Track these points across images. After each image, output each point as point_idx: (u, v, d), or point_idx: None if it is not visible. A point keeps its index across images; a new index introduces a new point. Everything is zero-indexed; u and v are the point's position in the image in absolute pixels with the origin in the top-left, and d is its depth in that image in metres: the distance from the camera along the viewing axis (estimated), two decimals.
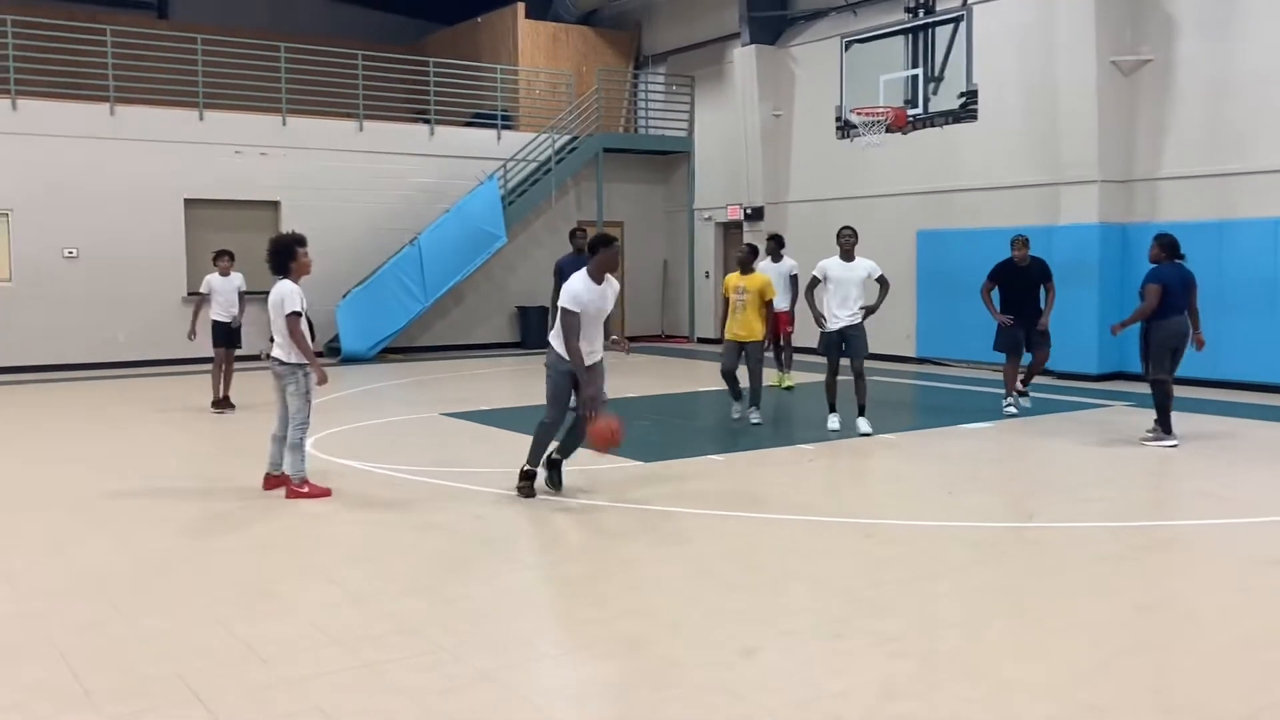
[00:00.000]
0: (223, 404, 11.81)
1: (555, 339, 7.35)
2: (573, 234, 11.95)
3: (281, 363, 7.41)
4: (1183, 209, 13.67)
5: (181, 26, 19.88)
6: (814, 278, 10.47)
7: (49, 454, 9.54)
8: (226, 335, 11.86)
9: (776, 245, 13.55)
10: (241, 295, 12.02)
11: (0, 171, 16.08)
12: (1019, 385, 11.29)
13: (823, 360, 10.49)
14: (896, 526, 6.67)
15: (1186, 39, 13.53)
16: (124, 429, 10.92)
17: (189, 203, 17.35)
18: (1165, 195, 13.89)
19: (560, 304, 7.26)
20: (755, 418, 10.52)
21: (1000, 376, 11.89)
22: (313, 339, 7.55)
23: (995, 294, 11.26)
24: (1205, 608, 5.09)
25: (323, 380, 7.41)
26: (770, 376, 13.60)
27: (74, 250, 16.60)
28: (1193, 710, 3.87)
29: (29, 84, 16.72)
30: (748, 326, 10.48)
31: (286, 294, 7.38)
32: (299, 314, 7.36)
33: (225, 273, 11.89)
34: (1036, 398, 12.03)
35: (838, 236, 10.62)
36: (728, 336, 10.69)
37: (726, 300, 10.75)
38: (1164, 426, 9.38)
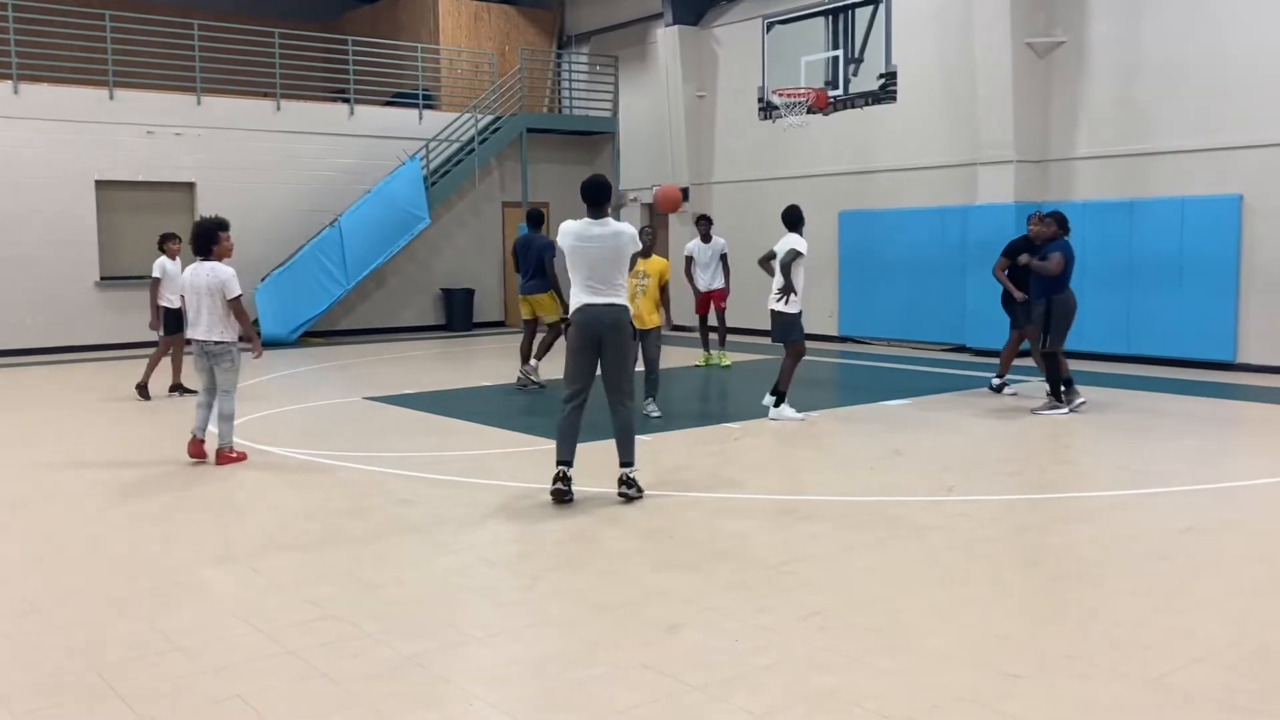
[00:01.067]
0: (177, 389, 11.69)
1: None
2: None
3: (218, 342, 7.96)
4: (1095, 188, 14.01)
5: (90, 1, 19.24)
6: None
7: None
8: (178, 321, 11.27)
9: (706, 225, 13.64)
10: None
11: None
12: (1002, 372, 11.17)
13: (760, 340, 10.99)
14: (820, 502, 6.75)
15: (1098, 21, 13.83)
16: (42, 414, 10.60)
17: (100, 184, 16.85)
18: (1078, 175, 14.22)
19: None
20: (653, 410, 9.85)
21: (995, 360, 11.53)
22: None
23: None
24: (1121, 576, 5.24)
25: (258, 354, 8.41)
26: (702, 355, 13.77)
27: None
28: (1107, 674, 3.98)
29: None
30: (642, 314, 9.93)
31: (228, 279, 7.94)
32: (240, 296, 7.99)
33: (174, 256, 11.49)
34: (955, 374, 12.26)
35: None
36: None
37: None
38: (1058, 395, 9.91)
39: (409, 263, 19.54)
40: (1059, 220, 10.09)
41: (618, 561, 5.53)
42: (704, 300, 13.63)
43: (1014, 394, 10.95)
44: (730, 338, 14.25)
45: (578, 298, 6.65)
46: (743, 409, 10.59)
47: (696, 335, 14.37)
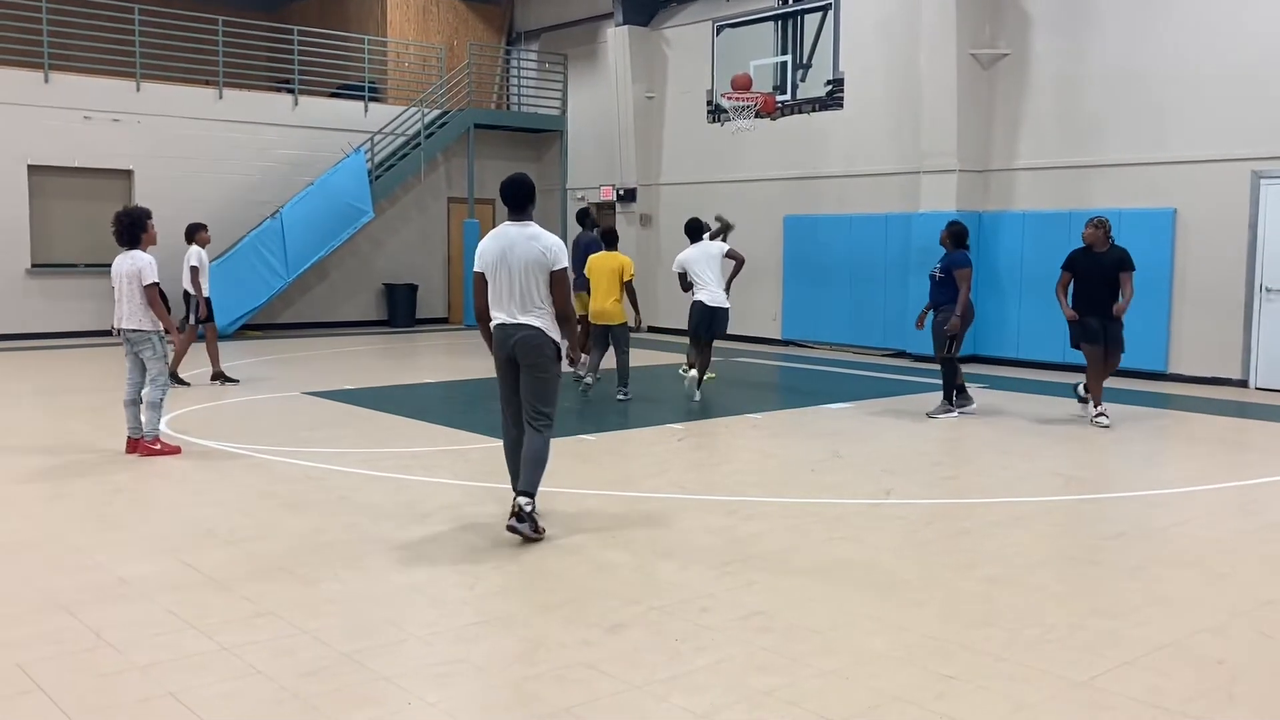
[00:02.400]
0: (219, 377, 11.82)
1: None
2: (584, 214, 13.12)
3: (136, 330, 7.92)
4: (1036, 198, 14.25)
5: None
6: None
7: None
8: (208, 309, 11.83)
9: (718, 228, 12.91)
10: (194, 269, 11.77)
11: None
12: (1082, 391, 10.24)
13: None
14: (761, 504, 6.79)
15: (1041, 35, 14.07)
16: None
17: (33, 169, 16.45)
18: (1020, 185, 14.45)
19: None
20: (623, 395, 10.96)
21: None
22: (168, 309, 8.12)
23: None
24: (1054, 580, 5.33)
25: (177, 344, 8.39)
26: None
27: None
28: (1037, 677, 4.05)
29: None
30: (609, 310, 10.87)
31: (145, 265, 7.89)
32: (158, 284, 7.91)
33: (204, 245, 11.83)
34: (896, 379, 12.38)
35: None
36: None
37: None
38: (949, 399, 10.26)
39: (351, 257, 19.33)
40: (956, 233, 10.26)
41: (560, 561, 5.52)
42: None
43: (1107, 425, 9.63)
44: (656, 338, 13.96)
45: (495, 315, 5.90)
46: (686, 411, 10.62)
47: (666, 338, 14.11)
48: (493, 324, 5.93)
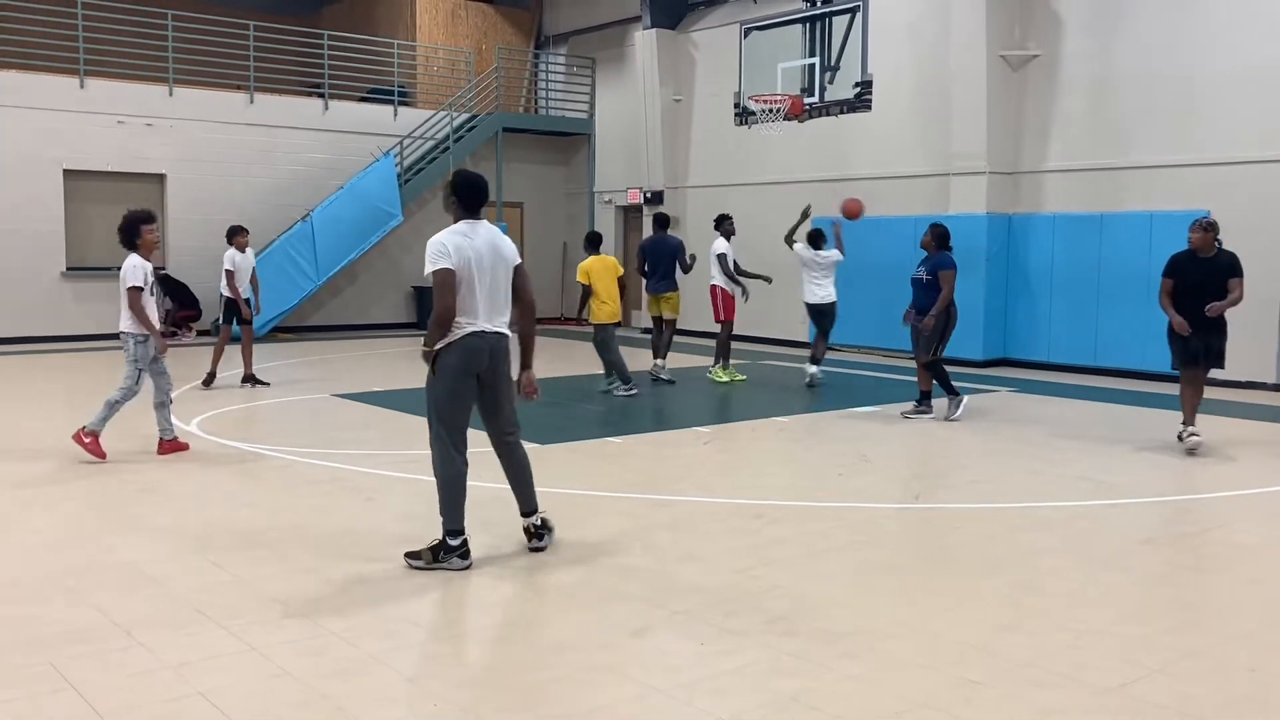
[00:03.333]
0: (250, 380, 11.91)
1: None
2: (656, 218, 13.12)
3: (123, 331, 8.01)
4: (1066, 201, 14.15)
5: None
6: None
7: None
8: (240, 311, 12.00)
9: (730, 224, 12.85)
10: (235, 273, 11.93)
11: None
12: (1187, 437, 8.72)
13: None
14: (787, 507, 6.77)
15: (1072, 37, 13.96)
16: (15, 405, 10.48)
17: (69, 174, 16.66)
18: (1050, 187, 14.35)
19: None
20: (626, 390, 11.32)
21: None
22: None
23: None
24: (1083, 586, 5.29)
25: (163, 350, 8.08)
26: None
27: None
28: (1064, 683, 4.02)
29: None
30: (609, 309, 11.33)
31: (128, 269, 7.96)
32: (140, 289, 7.92)
33: (242, 249, 11.95)
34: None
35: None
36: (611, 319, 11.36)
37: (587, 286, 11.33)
38: (953, 392, 10.19)
39: (381, 259, 19.44)
40: (940, 234, 10.14)
41: (584, 563, 5.53)
42: (728, 306, 12.66)
43: (1197, 444, 8.64)
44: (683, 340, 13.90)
45: (469, 323, 5.33)
46: (712, 414, 10.61)
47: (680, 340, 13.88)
48: (466, 332, 5.32)
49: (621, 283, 11.42)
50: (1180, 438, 8.71)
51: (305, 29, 20.18)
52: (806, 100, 16.81)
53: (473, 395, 5.47)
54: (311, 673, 4.04)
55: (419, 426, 9.72)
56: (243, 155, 18.09)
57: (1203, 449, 8.50)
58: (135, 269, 7.92)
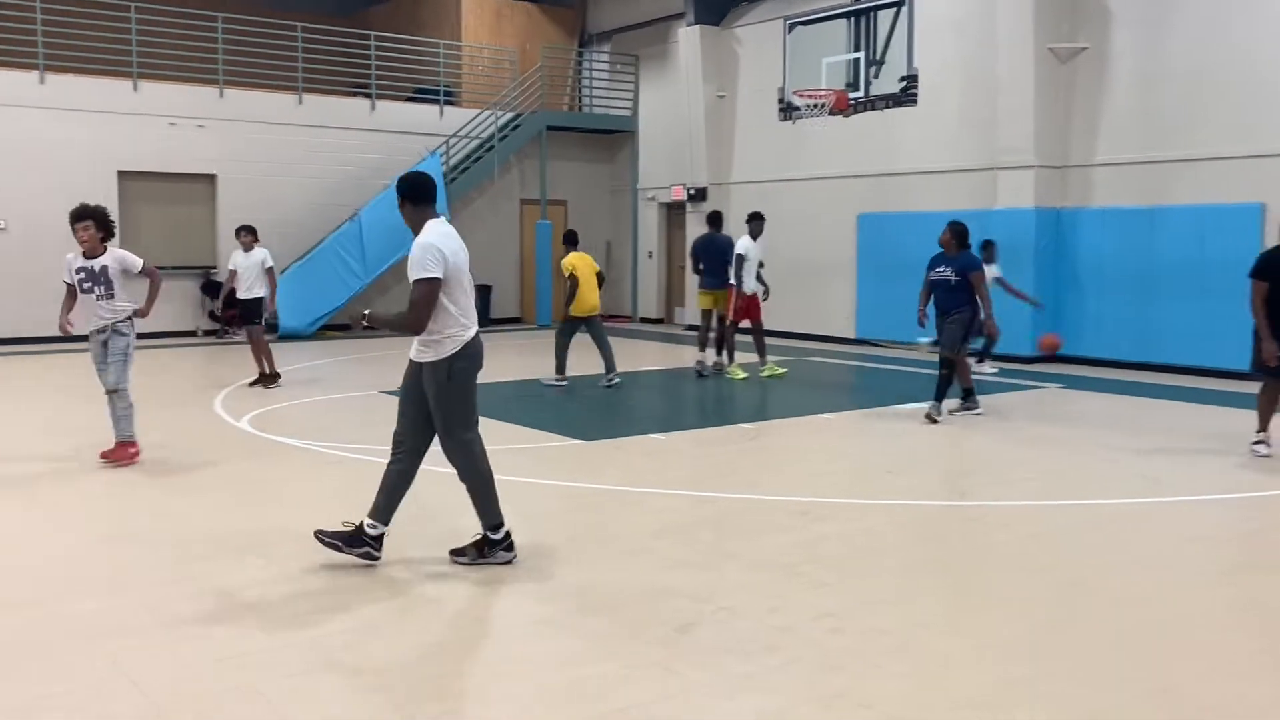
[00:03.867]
0: (264, 379, 11.80)
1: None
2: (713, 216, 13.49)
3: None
4: (1116, 195, 13.95)
5: None
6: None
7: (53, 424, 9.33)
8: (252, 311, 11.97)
9: (760, 223, 12.88)
10: (268, 271, 11.90)
11: None
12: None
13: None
14: (833, 505, 6.75)
15: (1122, 29, 13.76)
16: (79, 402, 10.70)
17: (122, 175, 16.96)
18: (1099, 181, 14.15)
19: None
20: (617, 380, 11.82)
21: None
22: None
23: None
24: (1131, 584, 5.23)
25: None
26: (733, 367, 12.84)
27: (2, 222, 16.19)
28: (1113, 683, 3.98)
29: None
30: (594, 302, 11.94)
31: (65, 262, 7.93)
32: (67, 283, 7.92)
33: (246, 249, 11.89)
34: (976, 380, 12.20)
35: None
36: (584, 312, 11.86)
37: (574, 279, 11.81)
38: (939, 393, 9.80)
39: None
40: (960, 232, 9.71)
41: (631, 559, 5.55)
42: (751, 305, 12.69)
43: (1268, 455, 8.17)
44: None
45: (468, 327, 5.24)
46: (757, 410, 10.59)
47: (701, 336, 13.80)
48: (471, 336, 5.24)
49: (600, 277, 12.05)
50: (1254, 445, 8.21)
51: (352, 29, 20.38)
52: (851, 95, 16.70)
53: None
54: (359, 666, 4.09)
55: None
56: (291, 155, 18.31)
57: (1260, 449, 8.31)
58: (67, 263, 7.90)
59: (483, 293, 19.92)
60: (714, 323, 13.03)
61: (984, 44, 14.94)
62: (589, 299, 11.88)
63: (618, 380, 11.86)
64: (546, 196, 20.44)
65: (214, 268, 17.58)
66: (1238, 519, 6.57)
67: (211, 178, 17.76)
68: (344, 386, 12.01)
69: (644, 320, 21.30)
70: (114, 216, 8.46)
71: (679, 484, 7.25)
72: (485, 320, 19.78)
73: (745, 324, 12.75)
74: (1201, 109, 13.01)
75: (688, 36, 19.19)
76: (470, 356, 5.27)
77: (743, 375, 12.56)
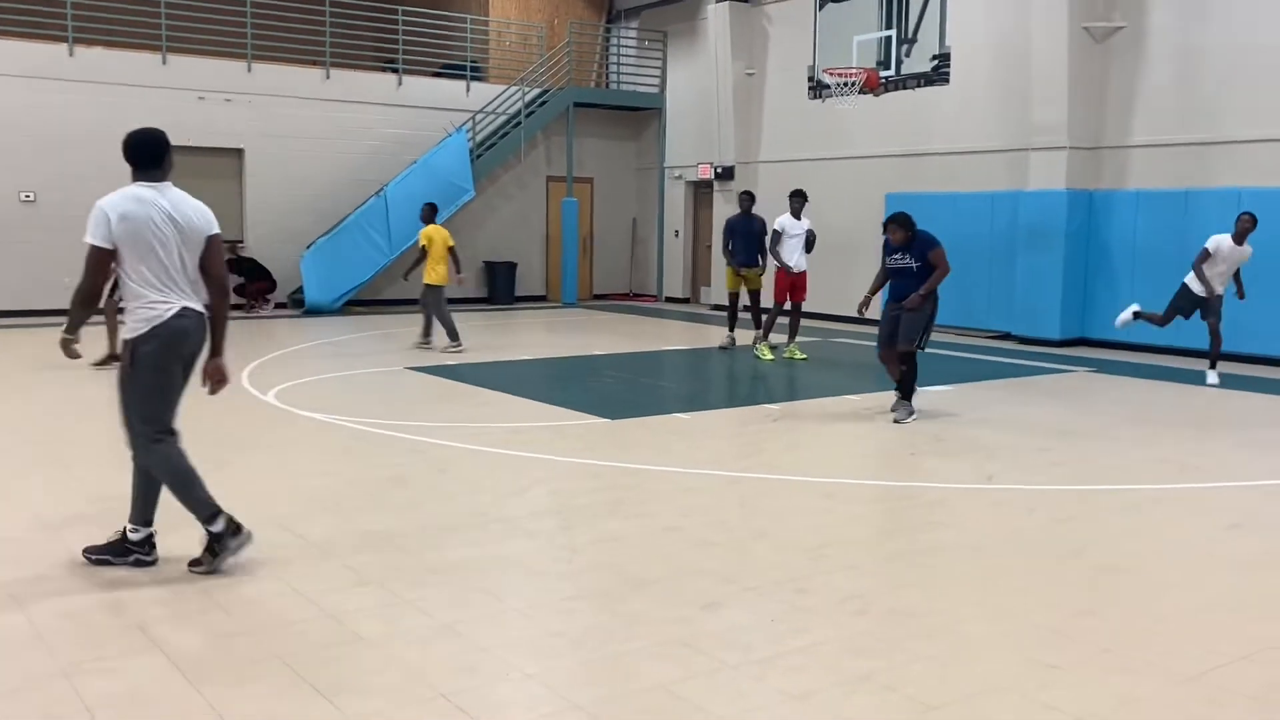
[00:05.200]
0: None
1: None
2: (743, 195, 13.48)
3: None
4: (1151, 177, 13.76)
5: None
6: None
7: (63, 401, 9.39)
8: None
9: (801, 201, 12.54)
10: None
11: None
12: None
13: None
14: (859, 486, 6.70)
15: (1159, 8, 13.54)
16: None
17: None
18: (1134, 163, 13.97)
19: None
20: (460, 346, 12.60)
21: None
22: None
23: None
24: (1164, 570, 5.16)
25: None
26: (764, 346, 12.75)
27: (31, 194, 16.29)
28: (1145, 669, 3.93)
29: None
30: (442, 273, 13.02)
31: None
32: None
33: None
34: (1000, 362, 12.07)
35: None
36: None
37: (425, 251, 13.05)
38: (904, 391, 9.01)
39: (452, 234, 19.49)
40: (906, 218, 8.79)
41: (657, 538, 5.53)
42: (792, 284, 12.40)
43: None
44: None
45: (161, 304, 4.67)
46: (784, 391, 10.54)
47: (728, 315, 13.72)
48: (168, 312, 4.66)
49: (453, 252, 13.10)
50: None
51: (380, 4, 20.34)
52: (882, 74, 16.54)
53: (180, 386, 4.80)
54: (386, 640, 4.09)
55: (491, 400, 9.81)
56: (319, 130, 18.32)
57: None
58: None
59: (507, 270, 19.92)
60: (743, 303, 13.08)
61: (1018, 22, 14.75)
62: (436, 273, 12.95)
63: (450, 346, 12.66)
64: (573, 174, 20.37)
65: (241, 242, 17.64)
66: (1273, 506, 6.47)
67: (239, 152, 17.80)
68: (369, 362, 12.03)
69: (670, 300, 21.24)
70: None
71: (705, 463, 7.22)
72: (510, 297, 19.82)
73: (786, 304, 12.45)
74: (1240, 90, 12.80)
75: (717, 13, 19.03)
76: (160, 338, 4.59)
77: (769, 356, 12.48)
